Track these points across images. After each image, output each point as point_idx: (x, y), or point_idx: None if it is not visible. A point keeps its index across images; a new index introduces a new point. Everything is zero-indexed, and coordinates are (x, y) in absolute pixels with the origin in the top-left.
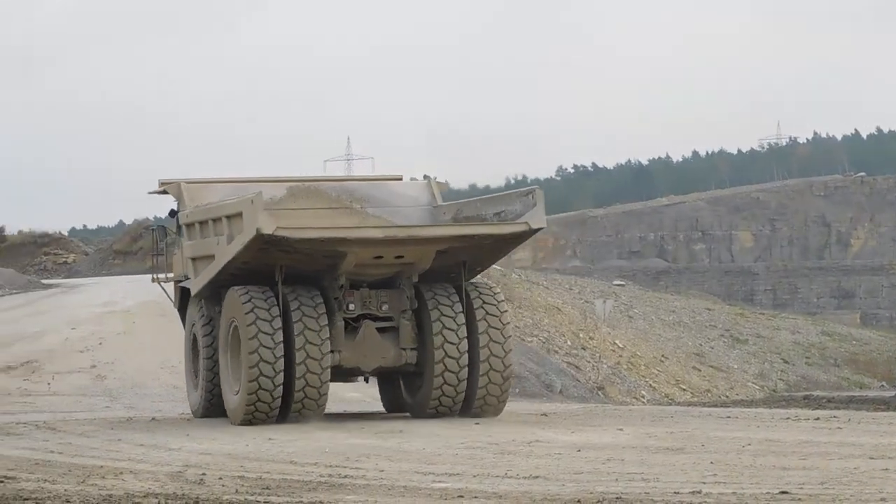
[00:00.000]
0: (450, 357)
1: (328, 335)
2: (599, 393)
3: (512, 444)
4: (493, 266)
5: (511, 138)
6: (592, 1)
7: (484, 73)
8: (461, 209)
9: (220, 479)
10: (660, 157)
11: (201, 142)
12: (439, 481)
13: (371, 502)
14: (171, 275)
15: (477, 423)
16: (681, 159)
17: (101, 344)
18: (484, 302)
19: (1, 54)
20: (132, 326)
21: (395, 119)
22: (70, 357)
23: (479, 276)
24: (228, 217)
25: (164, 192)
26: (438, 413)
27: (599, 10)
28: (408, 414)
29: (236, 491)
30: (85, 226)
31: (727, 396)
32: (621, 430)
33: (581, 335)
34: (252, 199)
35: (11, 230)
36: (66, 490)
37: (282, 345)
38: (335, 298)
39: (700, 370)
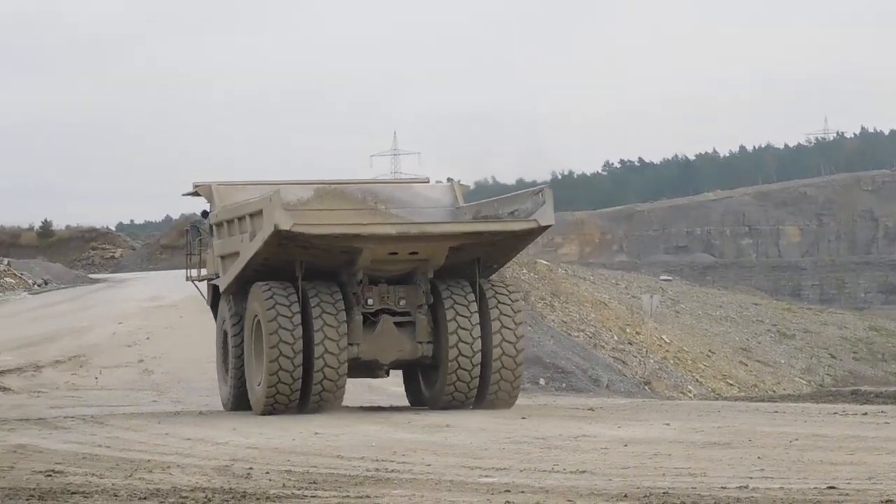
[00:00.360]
0: (463, 350)
1: (346, 329)
2: (646, 388)
3: (558, 438)
4: (540, 261)
5: (557, 133)
6: None
7: (529, 67)
8: (480, 209)
9: (267, 473)
10: (706, 152)
11: (246, 140)
12: (486, 476)
13: (418, 497)
14: (203, 273)
15: (524, 418)
16: (727, 154)
17: (148, 338)
18: (498, 298)
19: (57, 47)
20: (179, 321)
21: (442, 113)
22: (117, 351)
23: (498, 273)
24: (251, 215)
25: (197, 193)
26: (453, 404)
27: (645, 2)
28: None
29: (283, 485)
30: (132, 221)
31: (774, 391)
32: (668, 424)
33: (628, 330)
34: (271, 197)
35: (59, 225)
36: (113, 484)
37: (301, 338)
38: (354, 294)
39: (747, 365)
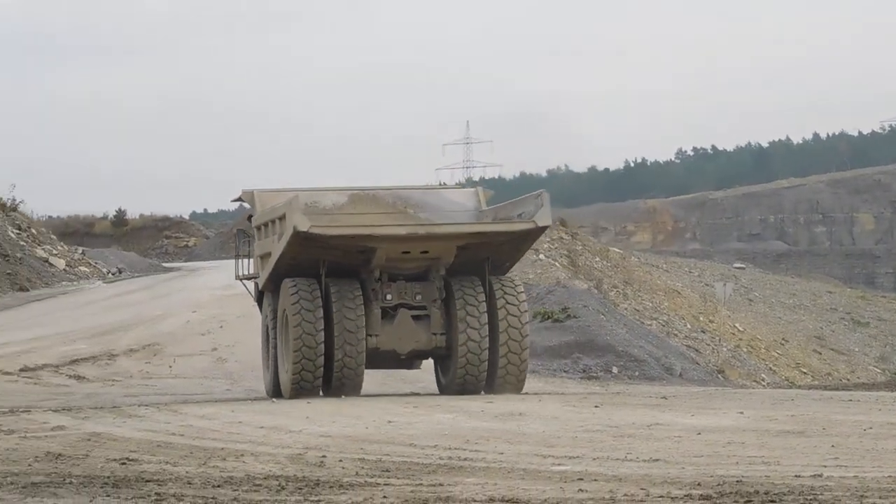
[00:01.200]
0: (472, 340)
1: (364, 322)
2: (719, 376)
3: (631, 427)
4: (613, 249)
5: (629, 121)
6: None
7: (598, 54)
8: (497, 212)
9: (341, 461)
10: (780, 140)
11: (318, 131)
12: (559, 464)
13: (490, 485)
14: (250, 272)
15: (597, 406)
16: (801, 141)
17: (221, 327)
18: (505, 293)
19: (123, 36)
20: (252, 310)
21: (513, 100)
22: (191, 340)
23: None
24: (280, 219)
25: (242, 199)
26: (465, 389)
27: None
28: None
29: (356, 473)
30: (205, 209)
31: (848, 380)
32: (741, 413)
33: (701, 318)
34: (291, 201)
35: (133, 214)
36: (187, 472)
37: (322, 330)
38: (373, 289)
39: (821, 353)
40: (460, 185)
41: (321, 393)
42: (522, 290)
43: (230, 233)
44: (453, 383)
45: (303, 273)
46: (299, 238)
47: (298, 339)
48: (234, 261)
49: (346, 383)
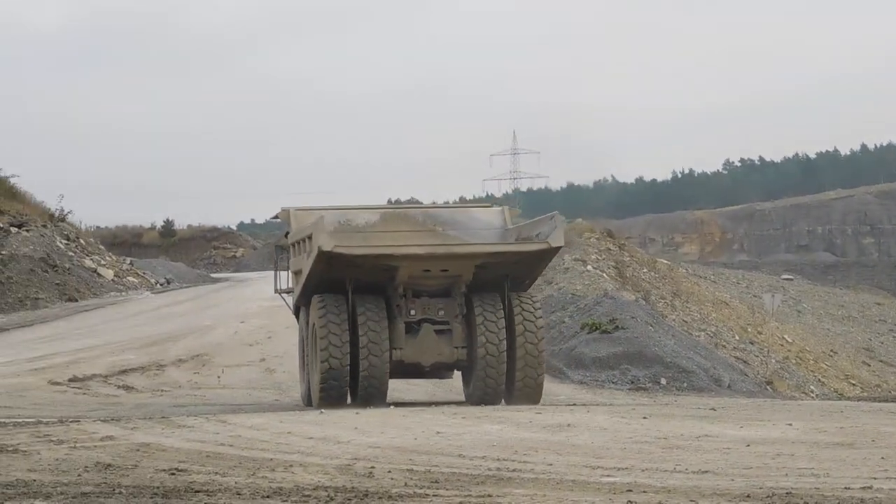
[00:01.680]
0: (490, 355)
1: (388, 335)
2: (768, 387)
3: (680, 438)
4: (661, 260)
5: (677, 131)
6: None
7: (643, 64)
8: (521, 231)
9: (389, 472)
10: (827, 151)
11: (363, 141)
12: (608, 475)
13: (540, 496)
14: (288, 286)
15: (645, 418)
16: (849, 153)
17: (269, 338)
18: (524, 309)
19: (176, 47)
20: None
21: (560, 111)
22: (239, 350)
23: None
24: (308, 238)
25: (278, 217)
26: (485, 399)
27: (768, 3)
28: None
29: (405, 484)
30: (253, 220)
31: None
32: (790, 424)
33: (749, 329)
34: (317, 221)
35: (181, 224)
36: (236, 482)
37: (348, 343)
38: (397, 305)
39: (870, 365)
40: (488, 205)
41: (349, 401)
42: (539, 306)
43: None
44: (474, 393)
45: (331, 289)
46: (324, 257)
47: (325, 350)
48: (274, 275)
49: (372, 393)
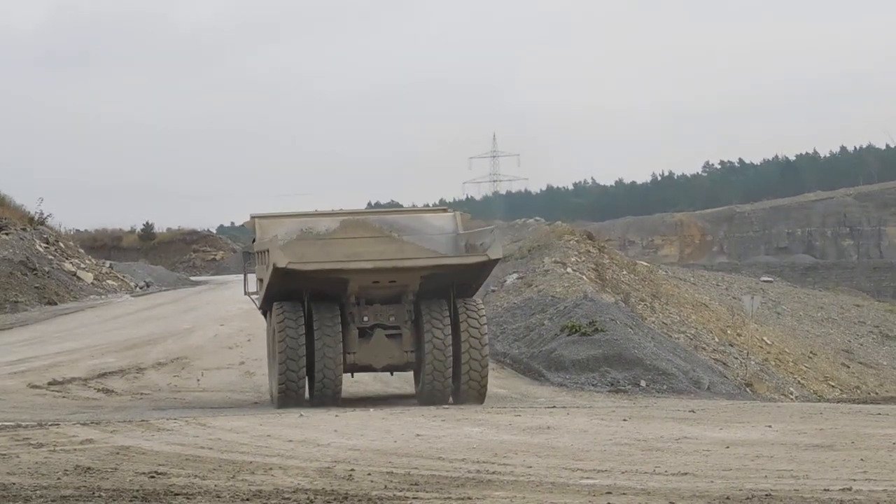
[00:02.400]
0: (437, 359)
1: (341, 340)
2: (747, 389)
3: (660, 440)
4: (640, 262)
5: (656, 133)
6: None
7: (624, 66)
8: (469, 239)
9: (369, 474)
10: (807, 153)
11: (345, 147)
12: (588, 478)
13: (519, 498)
14: (256, 290)
15: (625, 420)
16: (828, 154)
17: (249, 340)
18: (468, 315)
19: (160, 47)
20: None
21: (538, 113)
22: (219, 353)
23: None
24: (267, 251)
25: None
26: (433, 399)
27: (746, 4)
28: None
29: (385, 486)
30: (232, 223)
31: (877, 393)
32: (770, 426)
33: (729, 331)
34: (272, 239)
35: (160, 227)
36: (216, 485)
37: (304, 347)
38: (350, 312)
39: (849, 367)
40: (443, 209)
41: (307, 398)
42: (484, 311)
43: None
44: (423, 392)
45: (290, 297)
46: (279, 272)
47: (283, 353)
48: (243, 278)
49: (327, 394)
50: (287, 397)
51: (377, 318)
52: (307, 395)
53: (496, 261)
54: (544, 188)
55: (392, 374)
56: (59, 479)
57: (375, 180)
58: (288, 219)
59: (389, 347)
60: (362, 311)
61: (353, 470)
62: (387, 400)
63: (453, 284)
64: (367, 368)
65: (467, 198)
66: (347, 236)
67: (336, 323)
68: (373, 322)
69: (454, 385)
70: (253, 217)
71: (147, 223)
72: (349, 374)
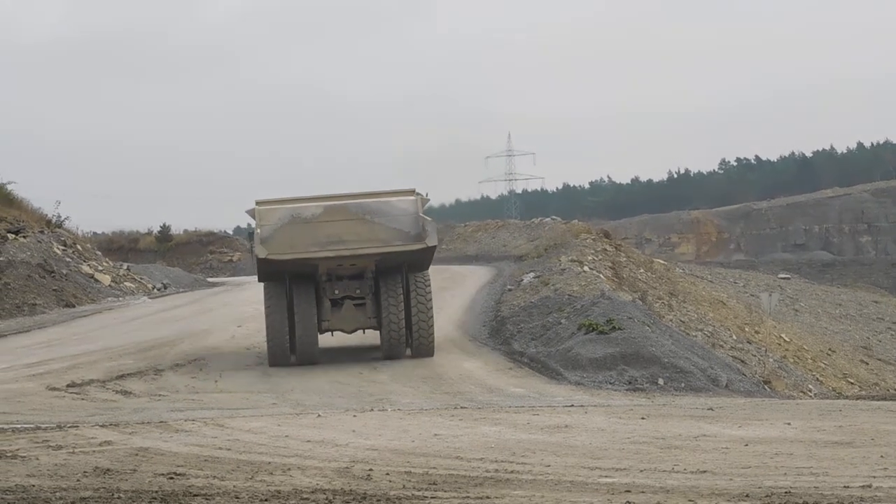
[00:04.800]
0: (392, 322)
1: (315, 311)
2: (766, 387)
3: (678, 438)
4: (657, 260)
5: (672, 131)
6: None
7: (640, 65)
8: (423, 221)
9: (387, 474)
10: (824, 149)
11: (360, 145)
12: (606, 476)
13: (538, 497)
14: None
15: (643, 418)
16: (845, 151)
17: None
18: (417, 287)
19: (172, 54)
20: None
21: (557, 111)
22: (236, 354)
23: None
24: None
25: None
26: (391, 353)
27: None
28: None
29: (403, 486)
30: (249, 224)
31: None
32: (789, 423)
33: (746, 329)
34: (254, 234)
35: (177, 229)
36: (234, 486)
37: (286, 318)
38: (323, 287)
39: (867, 363)
40: (409, 190)
41: (292, 359)
42: (430, 284)
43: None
44: (384, 347)
45: (277, 277)
46: (260, 261)
47: (270, 325)
48: (249, 254)
49: (305, 351)
50: (275, 356)
51: (345, 291)
52: (292, 357)
53: (434, 248)
54: (560, 187)
55: (364, 332)
56: (78, 480)
57: (389, 182)
58: (282, 205)
59: (356, 314)
60: (333, 286)
61: (371, 470)
62: (358, 351)
63: (405, 263)
64: (340, 331)
65: (483, 197)
66: (328, 220)
67: (311, 297)
68: (342, 294)
69: (408, 341)
70: (256, 203)
71: (164, 225)
72: (329, 334)
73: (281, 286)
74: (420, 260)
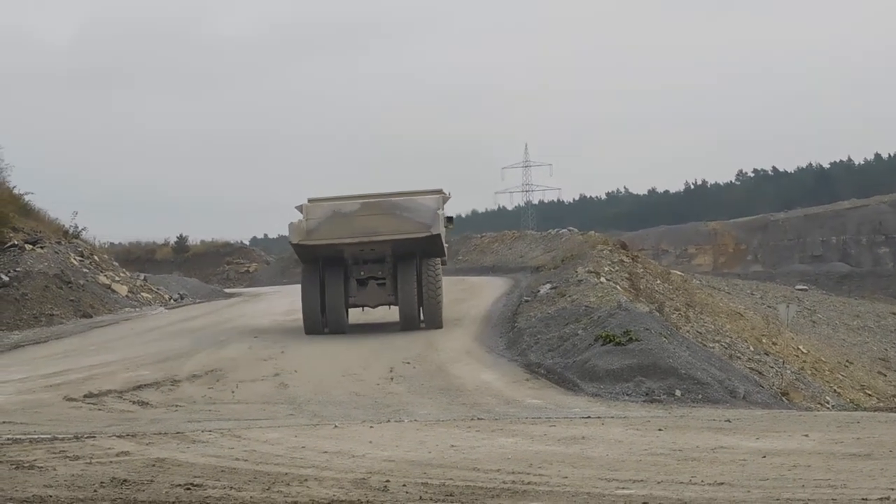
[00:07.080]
0: (406, 298)
1: (343, 289)
2: (783, 398)
3: (696, 450)
4: (674, 271)
5: (688, 143)
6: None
7: (656, 74)
8: (443, 214)
9: (404, 485)
10: (841, 160)
11: (379, 154)
12: (623, 488)
13: None
14: None
15: (660, 430)
16: (863, 162)
17: (283, 352)
18: (427, 271)
19: (191, 62)
20: (313, 336)
21: (574, 124)
22: (253, 365)
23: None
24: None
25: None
26: (407, 325)
27: (787, 12)
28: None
29: (420, 497)
30: (265, 235)
31: None
32: (807, 435)
33: (764, 340)
34: (290, 224)
35: (194, 240)
36: (251, 497)
37: (319, 296)
38: (350, 269)
39: (886, 375)
40: (437, 189)
41: (326, 331)
42: (439, 268)
43: (290, 258)
44: (401, 321)
45: (312, 260)
46: (296, 247)
47: (305, 302)
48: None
49: (335, 323)
50: (311, 328)
51: (369, 272)
52: (325, 328)
53: (437, 236)
54: (577, 198)
55: (389, 308)
56: (95, 491)
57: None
58: (328, 202)
59: (378, 292)
60: (359, 268)
61: (388, 481)
62: (382, 326)
63: (419, 250)
64: (365, 305)
65: (499, 207)
66: (364, 214)
67: (340, 278)
68: (367, 275)
69: (420, 316)
70: (308, 201)
71: (181, 236)
72: (359, 309)
73: (315, 270)
74: (430, 247)
